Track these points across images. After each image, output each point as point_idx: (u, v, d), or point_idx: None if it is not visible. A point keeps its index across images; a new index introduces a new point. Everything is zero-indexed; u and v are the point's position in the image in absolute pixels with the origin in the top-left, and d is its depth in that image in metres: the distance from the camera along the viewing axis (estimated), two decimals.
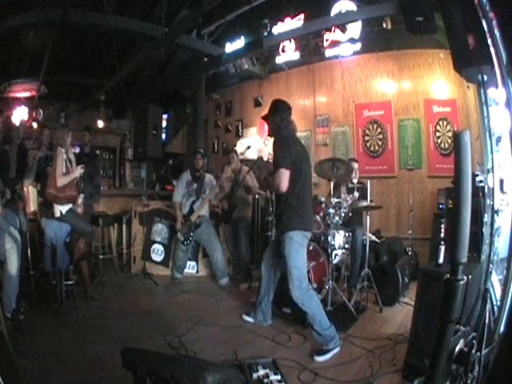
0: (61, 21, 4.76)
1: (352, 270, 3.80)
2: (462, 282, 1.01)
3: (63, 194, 3.41)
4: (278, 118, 2.79)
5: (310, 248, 3.46)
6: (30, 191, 4.20)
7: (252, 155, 5.68)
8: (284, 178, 2.59)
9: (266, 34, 5.53)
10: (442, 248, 2.31)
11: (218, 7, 5.12)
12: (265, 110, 2.95)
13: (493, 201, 2.23)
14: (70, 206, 3.49)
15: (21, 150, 4.45)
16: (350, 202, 3.63)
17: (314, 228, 2.93)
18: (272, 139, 2.91)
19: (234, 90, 8.08)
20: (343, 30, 5.48)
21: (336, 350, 2.54)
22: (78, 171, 3.52)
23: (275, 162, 2.70)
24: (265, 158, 4.94)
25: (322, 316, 2.63)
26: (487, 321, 1.87)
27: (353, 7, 5.02)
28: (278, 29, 5.61)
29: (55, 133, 3.72)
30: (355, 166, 4.23)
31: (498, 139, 2.34)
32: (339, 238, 3.54)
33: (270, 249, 3.07)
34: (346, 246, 3.61)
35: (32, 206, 4.06)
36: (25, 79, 6.59)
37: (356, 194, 3.75)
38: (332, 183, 3.71)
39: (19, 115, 7.05)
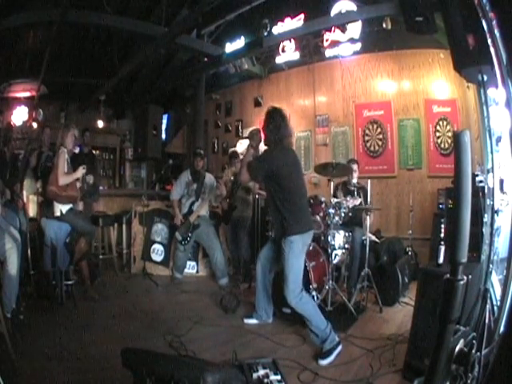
0: (61, 21, 4.76)
1: (352, 270, 3.80)
2: (462, 282, 1.01)
3: (65, 192, 3.40)
4: (269, 129, 2.78)
5: (310, 248, 3.46)
6: (30, 199, 4.19)
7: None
8: (243, 172, 2.80)
9: (266, 33, 5.52)
10: (442, 248, 2.31)
11: (217, 7, 5.11)
12: (265, 110, 2.94)
13: (493, 201, 2.22)
14: (71, 205, 3.49)
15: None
16: (351, 205, 3.62)
17: (314, 228, 2.92)
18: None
19: (234, 90, 8.06)
20: (343, 30, 5.49)
21: (338, 350, 2.54)
22: (80, 172, 3.50)
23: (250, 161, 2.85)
24: None
25: (319, 317, 2.64)
26: (487, 321, 1.87)
27: (353, 7, 5.03)
28: (278, 29, 5.61)
29: (59, 132, 3.69)
30: (354, 167, 4.18)
31: (498, 139, 2.34)
32: (339, 238, 3.54)
33: (267, 248, 3.10)
34: (346, 246, 3.60)
35: (30, 213, 4.05)
36: (25, 79, 6.57)
37: (358, 199, 3.74)
38: (332, 183, 3.71)
39: (19, 115, 7.04)
